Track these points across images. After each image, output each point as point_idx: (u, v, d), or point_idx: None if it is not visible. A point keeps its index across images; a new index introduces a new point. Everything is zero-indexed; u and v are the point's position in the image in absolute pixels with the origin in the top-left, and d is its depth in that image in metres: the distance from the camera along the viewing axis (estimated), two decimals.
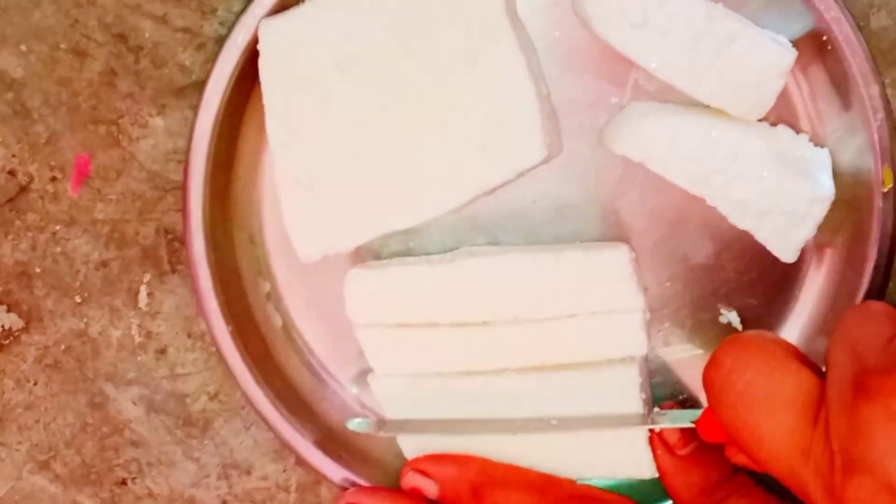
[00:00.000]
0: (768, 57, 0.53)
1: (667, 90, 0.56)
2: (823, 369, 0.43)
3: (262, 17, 0.55)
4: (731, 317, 0.60)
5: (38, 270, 0.63)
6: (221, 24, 0.59)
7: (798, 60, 0.54)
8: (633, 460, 0.58)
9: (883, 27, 0.59)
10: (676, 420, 0.55)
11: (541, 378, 0.57)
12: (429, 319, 0.57)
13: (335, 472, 0.60)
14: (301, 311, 0.62)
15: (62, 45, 0.61)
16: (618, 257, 0.56)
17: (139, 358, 0.63)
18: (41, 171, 0.62)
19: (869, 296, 0.56)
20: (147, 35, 0.60)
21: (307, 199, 0.56)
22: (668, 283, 0.60)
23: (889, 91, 0.58)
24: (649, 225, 0.60)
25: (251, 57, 0.56)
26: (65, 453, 0.64)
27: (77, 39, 0.61)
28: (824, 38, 0.55)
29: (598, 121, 0.58)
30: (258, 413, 0.59)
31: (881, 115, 0.55)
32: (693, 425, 0.53)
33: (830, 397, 0.41)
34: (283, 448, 0.62)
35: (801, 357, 0.45)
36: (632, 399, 0.57)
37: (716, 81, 0.54)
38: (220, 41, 0.57)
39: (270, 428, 0.60)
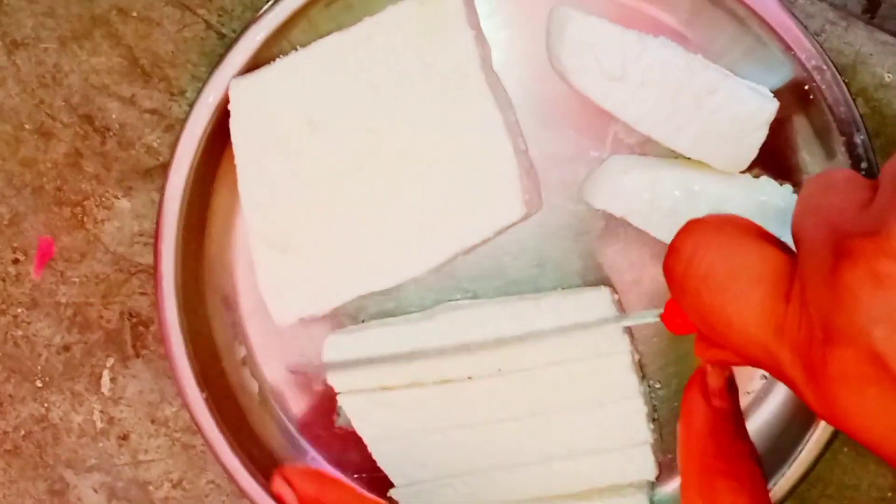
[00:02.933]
0: (749, 108, 0.52)
1: (647, 143, 0.55)
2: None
3: (233, 77, 0.54)
4: None
5: None
6: (190, 105, 0.57)
7: (780, 111, 0.53)
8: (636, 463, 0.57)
9: None
10: (642, 318, 0.52)
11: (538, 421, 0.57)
12: (412, 379, 0.56)
13: None
14: (277, 375, 0.60)
15: (27, 126, 0.60)
16: (599, 298, 0.55)
17: (101, 444, 0.62)
18: (3, 253, 0.61)
19: None
20: (114, 116, 0.60)
21: (281, 262, 0.55)
22: (654, 339, 0.59)
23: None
24: (633, 279, 0.58)
25: (221, 118, 0.55)
26: None
27: (42, 120, 0.60)
28: (806, 87, 0.54)
29: (577, 175, 0.57)
30: (235, 483, 0.57)
31: (866, 164, 0.54)
32: (658, 319, 0.49)
33: (806, 269, 0.38)
34: None
35: (766, 235, 0.43)
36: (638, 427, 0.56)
37: (696, 134, 0.53)
38: None
39: (248, 498, 0.58)
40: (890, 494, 0.60)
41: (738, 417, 0.52)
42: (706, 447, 0.51)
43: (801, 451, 0.56)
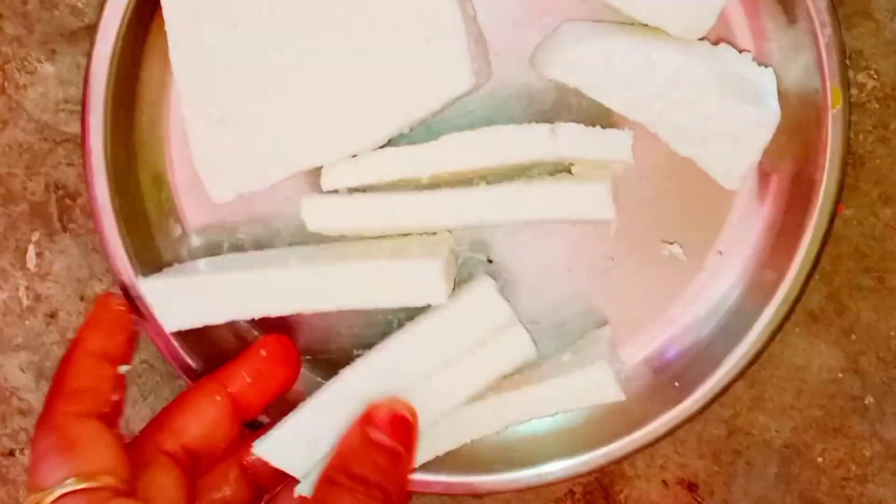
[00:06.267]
0: None
1: (601, 9, 0.53)
2: None
3: None
4: (673, 250, 0.57)
5: None
6: None
7: None
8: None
9: None
10: None
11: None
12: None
13: None
14: (216, 254, 0.58)
15: None
16: (622, 139, 0.52)
17: (27, 322, 0.60)
18: None
19: (818, 225, 0.53)
20: None
21: (218, 135, 0.52)
22: None
23: None
24: None
25: None
26: None
27: None
28: None
29: (529, 42, 0.54)
30: (170, 363, 0.55)
31: (829, 30, 0.51)
32: None
33: None
34: None
35: None
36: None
37: None
38: None
39: (183, 379, 0.56)
40: (841, 375, 0.60)
41: None
42: None
43: (752, 330, 0.55)
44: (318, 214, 0.53)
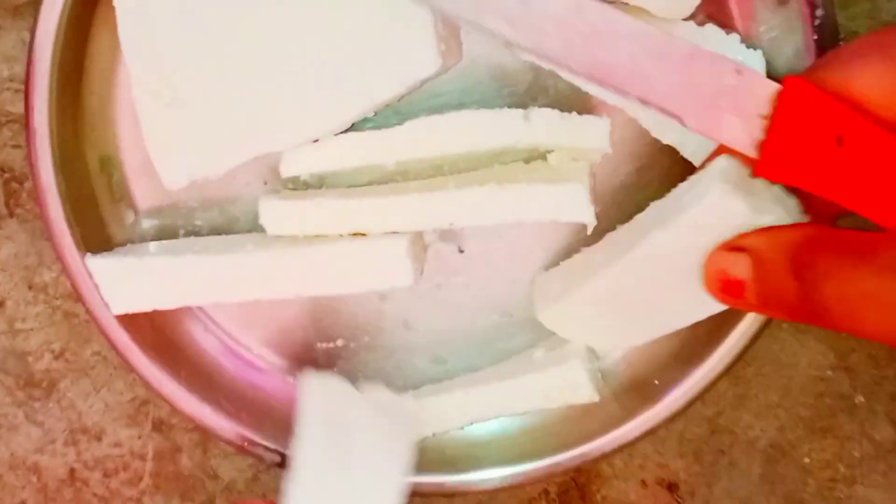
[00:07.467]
0: None
1: None
2: None
3: None
4: None
5: None
6: None
7: None
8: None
9: None
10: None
11: None
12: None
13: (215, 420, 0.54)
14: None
15: None
16: (599, 126, 0.50)
17: None
18: None
19: None
20: None
21: (170, 117, 0.49)
22: None
23: None
24: None
25: None
26: None
27: None
28: None
29: None
30: (122, 357, 0.53)
31: (822, 10, 0.49)
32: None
33: None
34: (138, 413, 0.57)
35: None
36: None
37: None
38: None
39: (136, 373, 0.53)
40: (830, 373, 0.57)
41: None
42: None
43: (738, 325, 0.52)
44: (278, 219, 0.51)
